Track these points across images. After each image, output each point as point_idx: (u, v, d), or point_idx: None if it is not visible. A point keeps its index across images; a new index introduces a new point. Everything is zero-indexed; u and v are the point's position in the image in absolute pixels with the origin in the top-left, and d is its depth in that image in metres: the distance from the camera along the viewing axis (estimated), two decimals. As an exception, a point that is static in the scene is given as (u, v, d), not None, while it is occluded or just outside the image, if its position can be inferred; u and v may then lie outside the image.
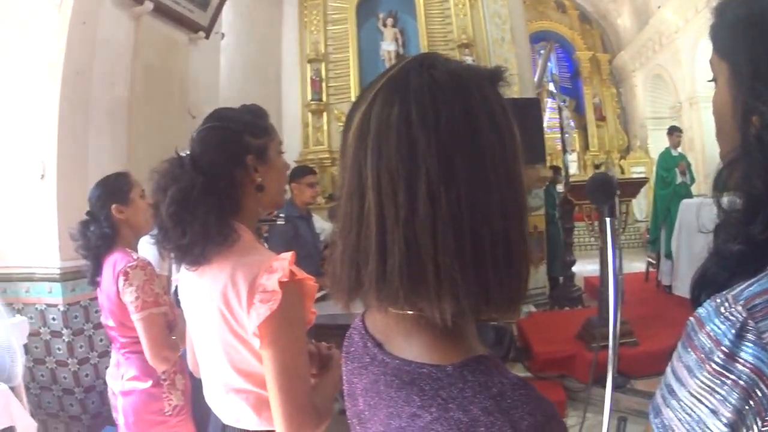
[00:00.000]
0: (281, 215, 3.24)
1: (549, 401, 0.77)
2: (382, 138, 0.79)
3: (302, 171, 4.77)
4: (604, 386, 2.61)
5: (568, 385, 4.95)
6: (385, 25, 8.07)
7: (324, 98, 8.29)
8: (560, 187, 8.75)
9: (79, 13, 4.27)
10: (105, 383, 2.74)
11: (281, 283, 1.44)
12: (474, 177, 0.76)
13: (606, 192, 2.72)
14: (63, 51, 4.19)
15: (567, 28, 15.76)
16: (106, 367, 2.78)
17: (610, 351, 2.62)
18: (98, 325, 4.10)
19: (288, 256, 1.51)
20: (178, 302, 2.82)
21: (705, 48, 10.13)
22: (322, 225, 5.14)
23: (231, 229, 1.57)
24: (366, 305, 0.91)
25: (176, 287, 2.93)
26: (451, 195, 0.75)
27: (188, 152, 1.65)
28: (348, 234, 0.83)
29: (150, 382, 2.48)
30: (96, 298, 2.73)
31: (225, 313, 1.53)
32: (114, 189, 2.62)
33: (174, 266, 3.00)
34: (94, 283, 2.62)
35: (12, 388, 3.39)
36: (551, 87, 12.92)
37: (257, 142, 1.70)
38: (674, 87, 12.70)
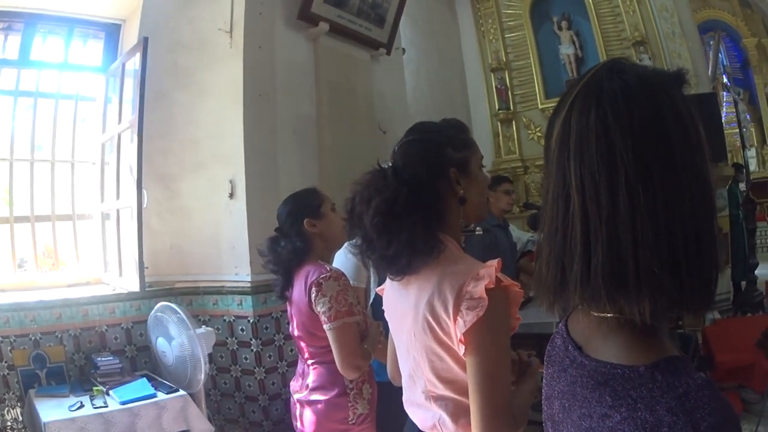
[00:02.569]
0: (479, 226, 3.26)
1: (730, 404, 0.79)
2: (583, 142, 0.85)
3: (498, 179, 4.83)
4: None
5: (745, 396, 4.70)
6: (560, 29, 7.84)
7: (511, 106, 8.19)
8: (743, 186, 8.23)
9: (253, 38, 4.46)
10: (291, 392, 2.79)
11: (488, 290, 1.44)
12: (666, 175, 0.80)
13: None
14: (241, 75, 4.37)
15: (730, 14, 14.71)
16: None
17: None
18: (289, 336, 4.14)
19: (494, 263, 1.51)
20: (374, 313, 2.89)
21: None
22: (518, 234, 5.15)
23: (437, 240, 1.59)
24: (570, 307, 0.97)
25: (374, 299, 3.01)
26: (648, 193, 0.79)
27: (390, 164, 1.69)
28: (554, 236, 0.89)
29: (336, 391, 2.51)
30: (287, 311, 2.79)
31: (431, 321, 1.55)
32: (305, 204, 2.66)
33: (373, 278, 3.07)
34: (283, 297, 2.69)
35: (192, 395, 3.57)
36: (724, 79, 12.15)
37: (459, 156, 1.73)
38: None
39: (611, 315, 0.86)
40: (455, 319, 1.48)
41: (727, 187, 7.64)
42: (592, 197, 0.83)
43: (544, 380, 1.07)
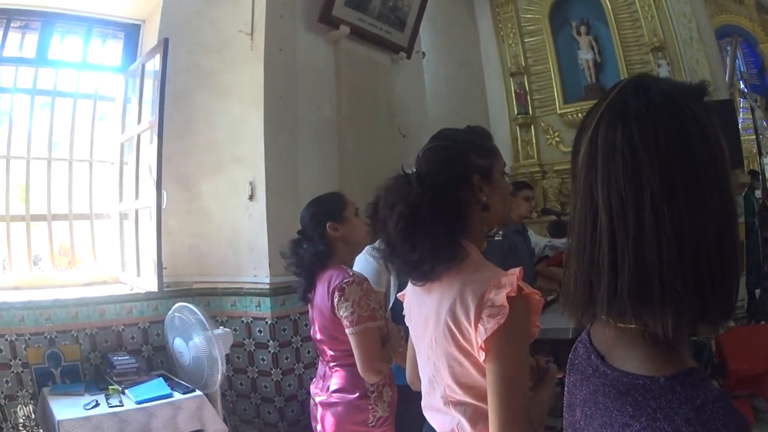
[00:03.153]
0: (499, 231, 3.26)
1: (745, 417, 0.80)
2: (610, 161, 0.86)
3: (518, 185, 4.84)
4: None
5: (757, 404, 4.68)
6: (579, 34, 7.76)
7: (530, 111, 8.12)
8: (758, 193, 8.18)
9: (274, 41, 4.47)
10: (308, 393, 2.79)
11: (509, 298, 1.45)
12: (691, 192, 0.81)
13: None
14: (261, 77, 4.38)
15: (747, 20, 14.57)
16: (311, 378, 2.85)
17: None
18: (306, 338, 4.22)
19: (516, 271, 1.51)
20: (394, 318, 2.89)
21: None
22: (535, 239, 5.16)
23: (460, 246, 1.60)
24: (595, 319, 0.98)
25: (394, 303, 3.01)
26: (673, 212, 0.80)
27: (414, 169, 1.69)
28: (582, 253, 0.91)
29: (357, 394, 2.51)
30: (306, 313, 2.79)
31: (453, 328, 1.56)
32: (328, 208, 2.66)
33: (393, 281, 3.07)
34: (305, 299, 2.70)
35: (208, 395, 3.58)
36: (741, 85, 12.08)
37: (482, 162, 1.72)
38: None
39: (634, 326, 0.87)
40: (476, 327, 1.48)
41: (743, 194, 7.60)
42: (620, 216, 0.84)
43: (566, 388, 1.08)
